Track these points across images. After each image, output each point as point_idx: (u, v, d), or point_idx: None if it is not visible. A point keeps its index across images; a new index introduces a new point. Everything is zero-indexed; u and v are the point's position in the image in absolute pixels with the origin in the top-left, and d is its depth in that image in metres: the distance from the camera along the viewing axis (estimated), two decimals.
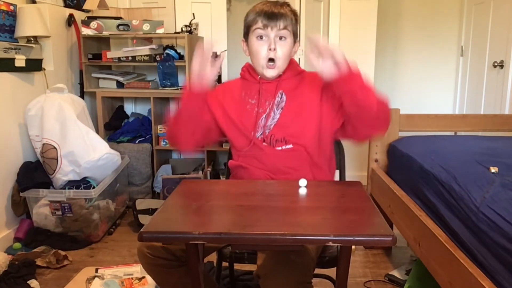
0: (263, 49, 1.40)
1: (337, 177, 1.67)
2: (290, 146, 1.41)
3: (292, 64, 1.49)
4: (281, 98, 1.44)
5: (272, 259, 1.22)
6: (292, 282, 1.17)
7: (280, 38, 1.41)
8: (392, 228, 1.90)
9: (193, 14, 3.24)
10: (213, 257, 1.76)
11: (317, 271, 1.88)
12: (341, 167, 1.66)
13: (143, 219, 2.69)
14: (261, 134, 1.43)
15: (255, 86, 1.47)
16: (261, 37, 1.41)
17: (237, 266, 2.02)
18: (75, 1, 3.19)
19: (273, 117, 1.43)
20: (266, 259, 1.24)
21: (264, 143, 1.42)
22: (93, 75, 3.30)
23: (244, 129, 1.45)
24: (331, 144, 1.51)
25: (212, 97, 1.48)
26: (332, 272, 1.50)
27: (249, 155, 1.45)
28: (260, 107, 1.44)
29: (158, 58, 3.17)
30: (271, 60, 1.40)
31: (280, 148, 1.42)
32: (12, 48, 2.49)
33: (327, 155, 1.50)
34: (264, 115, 1.43)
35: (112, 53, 3.21)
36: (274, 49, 1.39)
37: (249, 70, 1.51)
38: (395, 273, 2.13)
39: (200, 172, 3.20)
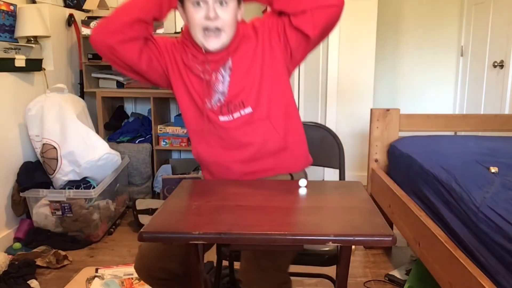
0: (199, 17, 1.24)
1: (336, 177, 1.67)
2: (249, 109, 1.33)
3: (237, 30, 1.32)
4: (228, 62, 1.32)
5: (253, 265, 1.22)
6: (273, 286, 1.18)
7: (221, 3, 1.24)
8: (392, 228, 1.90)
9: None
10: (213, 257, 1.76)
11: (317, 270, 1.88)
12: (340, 166, 1.66)
13: (143, 219, 2.69)
14: (216, 102, 1.33)
15: (199, 56, 1.33)
16: (197, 3, 1.24)
17: (236, 266, 2.01)
18: (75, 1, 3.19)
19: (223, 81, 1.32)
20: (246, 265, 1.24)
21: (221, 117, 1.34)
22: (93, 75, 3.30)
23: (196, 98, 1.35)
24: (294, 109, 1.44)
25: (167, 44, 1.37)
26: (332, 271, 1.50)
27: (208, 132, 1.37)
28: (206, 74, 1.32)
29: None
30: (210, 29, 1.24)
31: (238, 114, 1.33)
32: (12, 48, 2.49)
33: (293, 124, 1.42)
34: (214, 82, 1.33)
35: None
36: (215, 18, 1.23)
37: (191, 41, 1.32)
38: (395, 273, 2.13)
39: (200, 172, 3.20)
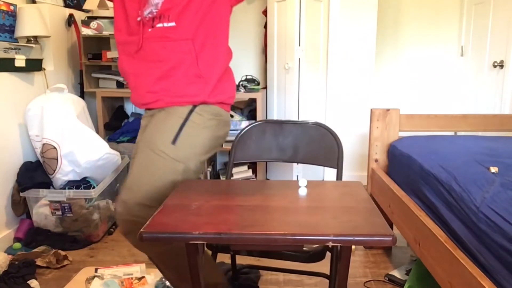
0: None
1: (333, 177, 1.67)
2: (172, 23, 1.34)
3: None
4: None
5: None
6: None
7: None
8: (392, 228, 1.90)
9: None
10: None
11: (315, 268, 1.89)
12: (338, 166, 1.66)
13: None
14: (148, 14, 1.35)
15: None
16: None
17: (239, 260, 2.02)
18: (75, 1, 3.19)
19: None
20: None
21: (150, 29, 1.36)
22: (93, 75, 3.30)
23: (128, 7, 1.38)
24: (224, 42, 1.46)
25: None
26: (326, 269, 1.51)
27: (133, 43, 1.38)
28: None
29: None
30: None
31: (161, 25, 1.34)
32: (12, 48, 2.49)
33: (219, 60, 1.44)
34: None
35: (112, 53, 3.21)
36: None
37: None
38: (395, 273, 2.14)
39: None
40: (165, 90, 1.40)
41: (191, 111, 1.43)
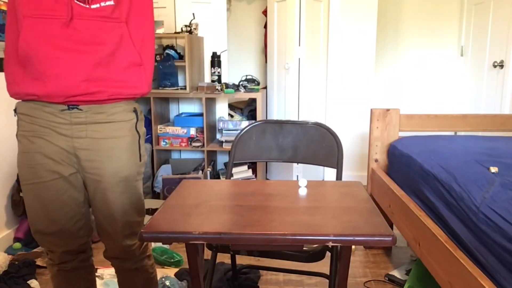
0: None
1: (333, 177, 1.67)
2: (110, 2, 1.18)
3: None
4: None
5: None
6: None
7: None
8: (392, 228, 1.91)
9: (193, 14, 3.24)
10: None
11: (315, 268, 1.89)
12: (338, 166, 1.66)
13: None
14: None
15: None
16: None
17: (238, 260, 2.02)
18: None
19: None
20: None
21: (79, 3, 1.16)
22: None
23: None
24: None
25: None
26: (326, 269, 1.51)
27: (55, 17, 1.15)
28: None
29: (158, 58, 3.17)
30: None
31: (97, 5, 1.17)
32: None
33: (151, 44, 1.30)
34: None
35: None
36: None
37: None
38: (395, 273, 2.14)
39: (200, 172, 3.21)
40: (105, 79, 1.21)
41: (135, 111, 1.33)
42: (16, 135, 1.28)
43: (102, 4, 1.17)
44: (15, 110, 1.28)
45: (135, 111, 1.33)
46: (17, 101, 1.28)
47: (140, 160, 1.35)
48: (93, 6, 1.16)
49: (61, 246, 1.32)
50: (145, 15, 1.27)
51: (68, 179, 1.27)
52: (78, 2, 1.15)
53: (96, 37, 1.17)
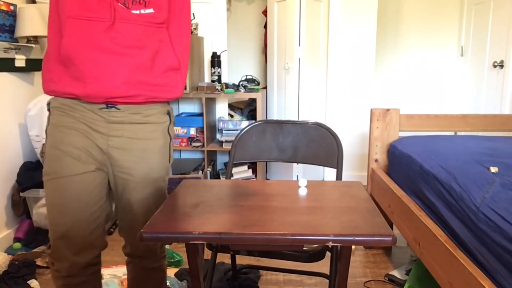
0: None
1: (333, 177, 1.67)
2: (150, 10, 1.20)
3: None
4: None
5: None
6: None
7: None
8: (392, 228, 1.90)
9: (193, 14, 3.24)
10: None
11: (315, 268, 1.89)
12: (338, 166, 1.66)
13: None
14: None
15: None
16: None
17: (238, 260, 2.02)
18: None
19: None
20: None
21: (119, 4, 1.16)
22: None
23: None
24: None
25: None
26: (326, 269, 1.51)
27: (99, 19, 1.15)
28: None
29: None
30: None
31: (137, 11, 1.18)
32: (12, 48, 2.49)
33: (187, 45, 1.31)
34: None
35: None
36: None
37: None
38: (395, 273, 2.14)
39: (200, 172, 3.20)
40: (144, 83, 1.22)
41: (168, 114, 1.35)
42: (46, 130, 1.28)
43: (142, 11, 1.18)
44: (48, 105, 1.28)
45: (168, 113, 1.35)
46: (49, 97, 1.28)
47: (169, 162, 1.38)
48: (133, 11, 1.17)
49: (74, 251, 1.27)
50: (184, 19, 1.29)
51: (96, 175, 1.27)
52: (121, 5, 1.16)
53: (137, 41, 1.18)
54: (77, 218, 1.25)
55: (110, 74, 1.17)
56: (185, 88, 3.11)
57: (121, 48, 1.16)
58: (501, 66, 3.12)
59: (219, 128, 3.38)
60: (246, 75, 3.31)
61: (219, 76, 3.27)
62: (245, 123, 3.26)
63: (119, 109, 1.24)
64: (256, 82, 3.27)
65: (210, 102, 3.37)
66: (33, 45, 2.65)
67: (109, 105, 1.23)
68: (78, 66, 1.17)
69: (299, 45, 3.17)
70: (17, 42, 2.60)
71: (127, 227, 1.37)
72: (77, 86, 1.19)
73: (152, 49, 1.21)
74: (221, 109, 3.52)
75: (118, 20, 1.16)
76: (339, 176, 1.66)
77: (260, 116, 3.21)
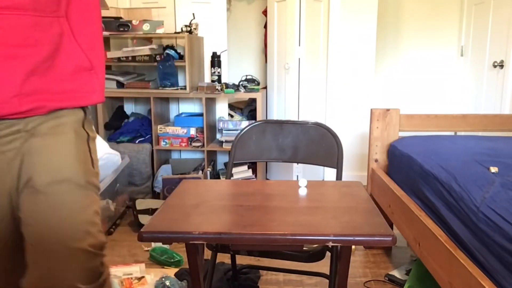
0: None
1: (333, 177, 1.67)
2: None
3: None
4: None
5: None
6: None
7: None
8: (392, 228, 1.90)
9: (193, 14, 3.24)
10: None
11: (315, 268, 1.89)
12: (338, 166, 1.66)
13: (143, 219, 2.69)
14: None
15: None
16: None
17: (238, 260, 2.02)
18: None
19: None
20: None
21: None
22: None
23: None
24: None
25: None
26: (326, 269, 1.51)
27: None
28: None
29: (158, 58, 3.17)
30: None
31: None
32: None
33: (99, 36, 1.02)
34: None
35: (112, 53, 3.21)
36: None
37: None
38: (395, 273, 2.14)
39: (200, 172, 3.20)
40: (45, 91, 0.92)
41: (84, 118, 1.03)
42: None
43: None
44: None
45: (84, 118, 1.03)
46: None
47: (93, 166, 1.05)
48: None
49: None
50: (89, 5, 1.00)
51: None
52: None
53: (28, 36, 0.88)
54: None
55: None
56: (185, 88, 3.11)
57: (5, 49, 0.86)
58: (501, 66, 3.12)
59: (219, 128, 3.38)
60: (246, 75, 3.31)
61: (219, 76, 3.27)
62: (245, 123, 3.26)
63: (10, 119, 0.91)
64: (256, 82, 3.27)
65: (210, 102, 3.37)
66: None
67: None
68: None
69: (299, 45, 3.17)
70: None
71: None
72: None
73: (50, 46, 0.92)
74: (221, 109, 3.52)
75: None
76: (339, 176, 1.66)
77: (260, 116, 3.21)
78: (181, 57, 3.25)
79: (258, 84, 3.28)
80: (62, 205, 0.94)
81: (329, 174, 3.42)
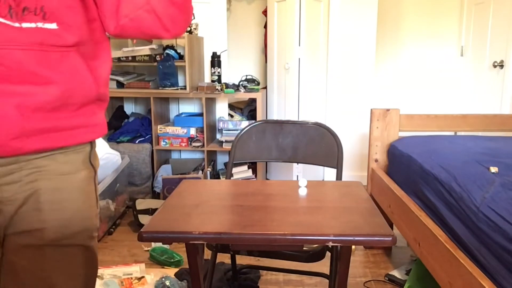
0: None
1: (333, 177, 1.67)
2: (52, 25, 0.80)
3: None
4: None
5: None
6: None
7: None
8: (392, 228, 1.90)
9: (193, 14, 3.24)
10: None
11: (315, 268, 1.89)
12: (338, 166, 1.66)
13: (143, 219, 2.69)
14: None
15: None
16: None
17: (238, 259, 2.02)
18: None
19: None
20: None
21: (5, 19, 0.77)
22: None
23: None
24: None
25: None
26: (326, 269, 1.51)
27: None
28: None
29: (158, 58, 3.17)
30: None
31: (31, 24, 0.78)
32: None
33: (106, 67, 0.97)
34: None
35: (112, 53, 3.20)
36: None
37: None
38: (395, 273, 2.14)
39: (200, 172, 3.20)
40: (50, 130, 0.85)
41: (91, 151, 0.96)
42: None
43: (40, 24, 0.79)
44: None
45: (90, 152, 0.97)
46: None
47: (97, 207, 1.01)
48: (25, 25, 0.78)
49: None
50: (99, 35, 0.97)
51: None
52: (2, 20, 0.76)
53: (34, 74, 0.80)
54: None
55: None
56: (185, 88, 3.11)
57: (6, 86, 0.78)
58: (501, 66, 3.12)
59: (219, 128, 3.38)
60: (246, 75, 3.31)
61: (219, 76, 3.27)
62: (245, 123, 3.26)
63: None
64: (256, 82, 3.27)
65: (210, 102, 3.37)
66: None
67: None
68: None
69: (299, 45, 3.17)
70: None
71: None
72: None
73: (62, 81, 0.83)
74: (221, 109, 3.52)
75: (1, 43, 0.77)
76: (339, 176, 1.66)
77: (260, 116, 3.21)
78: (181, 57, 3.25)
79: (258, 84, 3.28)
80: (63, 266, 0.90)
81: (329, 174, 3.42)
